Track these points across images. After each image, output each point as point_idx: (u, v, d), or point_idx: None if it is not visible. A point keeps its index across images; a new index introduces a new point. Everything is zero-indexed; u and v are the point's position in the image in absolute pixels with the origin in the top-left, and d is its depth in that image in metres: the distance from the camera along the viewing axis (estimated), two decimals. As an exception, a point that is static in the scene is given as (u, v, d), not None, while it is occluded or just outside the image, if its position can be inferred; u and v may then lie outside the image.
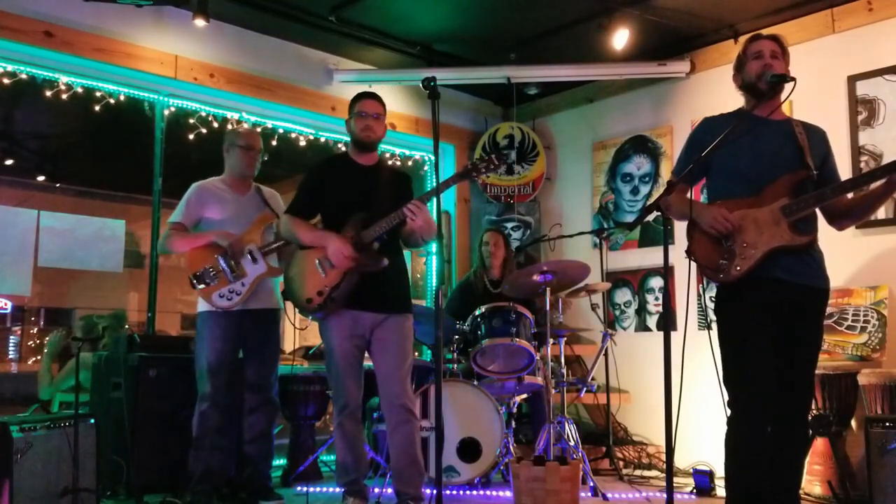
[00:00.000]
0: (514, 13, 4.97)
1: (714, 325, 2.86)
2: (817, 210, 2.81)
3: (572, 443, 4.14)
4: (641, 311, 5.51)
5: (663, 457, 4.78)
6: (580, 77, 5.67)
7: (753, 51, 2.86)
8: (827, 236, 2.92)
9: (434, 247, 5.80)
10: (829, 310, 4.02)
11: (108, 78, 4.62)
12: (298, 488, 4.29)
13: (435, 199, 3.15)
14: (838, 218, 2.90)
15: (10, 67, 4.31)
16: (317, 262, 3.39)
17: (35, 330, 11.00)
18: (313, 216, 3.53)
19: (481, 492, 4.17)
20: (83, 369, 4.37)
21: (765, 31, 3.01)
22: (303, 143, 5.48)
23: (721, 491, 4.00)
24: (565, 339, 4.52)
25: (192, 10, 4.47)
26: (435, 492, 2.80)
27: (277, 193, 4.10)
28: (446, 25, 5.21)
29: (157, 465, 3.95)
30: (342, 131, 3.65)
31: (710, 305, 2.89)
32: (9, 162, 8.23)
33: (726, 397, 2.76)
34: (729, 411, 2.76)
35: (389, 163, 5.87)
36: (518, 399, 4.62)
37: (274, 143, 5.35)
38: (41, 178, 8.80)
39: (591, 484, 4.03)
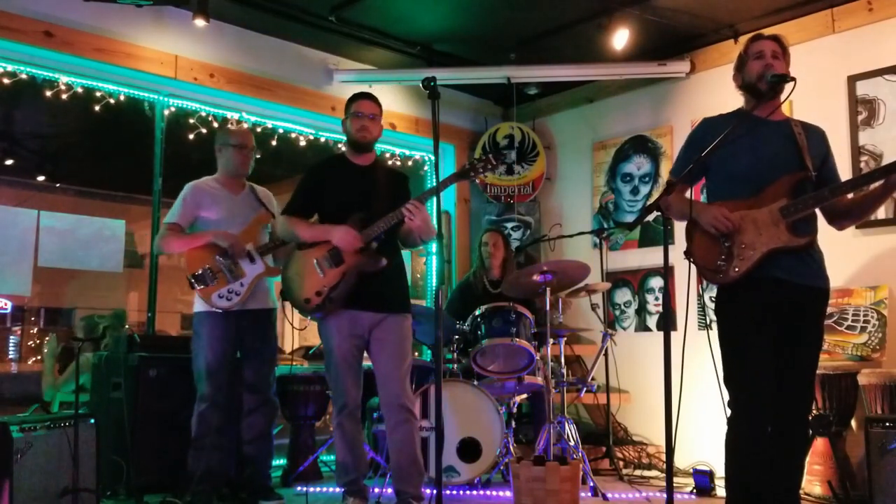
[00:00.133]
0: (514, 13, 4.97)
1: (714, 325, 2.87)
2: (817, 210, 2.82)
3: (572, 443, 4.14)
4: (641, 311, 5.51)
5: (663, 457, 4.78)
6: (580, 77, 5.67)
7: (755, 51, 2.86)
8: (827, 236, 2.92)
9: (434, 247, 5.80)
10: (829, 310, 4.02)
11: (108, 78, 4.62)
12: (298, 488, 4.29)
13: (434, 199, 3.15)
14: (838, 218, 2.90)
15: (10, 67, 4.31)
16: (315, 262, 3.39)
17: (35, 330, 11.00)
18: (310, 217, 3.52)
19: (481, 492, 4.17)
20: (84, 371, 4.38)
21: (766, 32, 3.01)
22: (303, 143, 5.48)
23: (721, 491, 4.00)
24: (565, 339, 4.52)
25: (192, 10, 4.47)
26: (435, 492, 2.80)
27: (270, 193, 4.09)
28: (446, 25, 5.21)
29: (157, 465, 3.95)
30: (342, 131, 3.65)
31: (710, 305, 2.89)
32: (9, 162, 8.24)
33: (726, 397, 2.76)
34: (729, 411, 2.76)
35: (388, 163, 5.89)
36: (518, 399, 4.62)
37: (274, 143, 5.35)
38: (41, 178, 8.81)
39: (591, 484, 4.03)
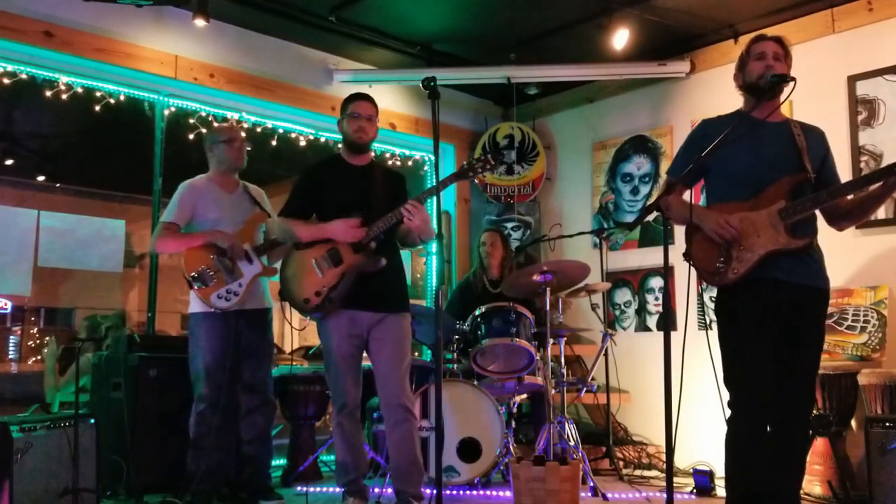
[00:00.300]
0: (514, 13, 4.97)
1: (714, 326, 2.87)
2: (817, 211, 2.82)
3: (572, 443, 4.14)
4: (641, 311, 5.51)
5: (663, 457, 4.78)
6: (580, 77, 5.67)
7: (756, 51, 2.86)
8: (827, 236, 2.92)
9: (434, 247, 5.80)
10: (829, 310, 4.02)
11: (108, 78, 4.62)
12: (298, 488, 4.29)
13: (434, 199, 3.15)
14: (838, 219, 2.90)
15: (10, 67, 4.31)
16: (314, 262, 3.39)
17: (35, 330, 11.01)
18: (307, 218, 3.51)
19: (481, 492, 4.17)
20: (85, 372, 4.39)
21: (767, 32, 3.01)
22: (303, 143, 5.48)
23: (721, 491, 4.00)
24: (565, 339, 4.52)
25: (192, 10, 4.46)
26: (435, 492, 2.80)
27: (262, 191, 4.09)
28: (446, 25, 5.21)
29: (157, 465, 3.95)
30: (338, 131, 3.65)
31: (710, 305, 2.89)
32: (9, 162, 8.24)
33: (726, 397, 2.76)
34: (729, 411, 2.76)
35: (388, 163, 5.89)
36: (518, 399, 4.62)
37: (274, 143, 5.35)
38: (41, 178, 8.81)
39: (591, 484, 4.03)
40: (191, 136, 4.93)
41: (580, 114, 6.08)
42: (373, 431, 4.54)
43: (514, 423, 4.64)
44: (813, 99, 4.31)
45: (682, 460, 4.67)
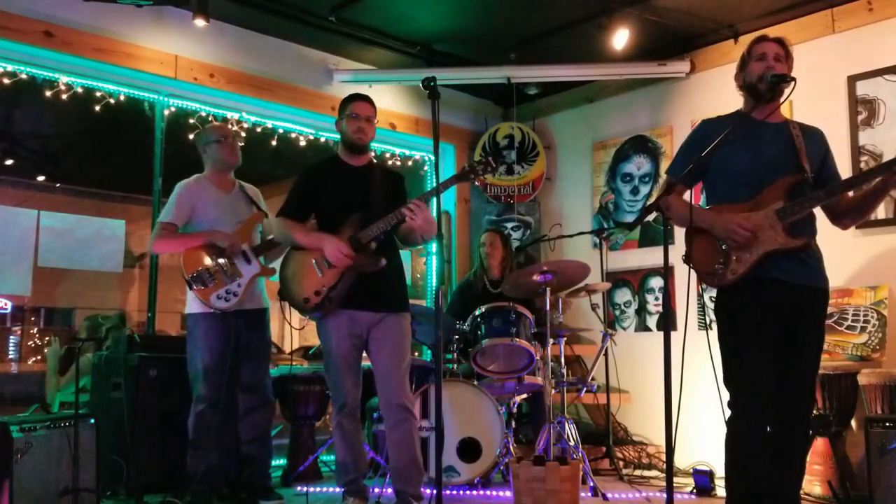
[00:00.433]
0: (514, 13, 4.97)
1: (714, 326, 2.87)
2: (820, 210, 2.82)
3: (572, 443, 4.14)
4: (641, 311, 5.51)
5: (663, 457, 4.78)
6: (580, 77, 5.67)
7: (757, 52, 2.86)
8: (827, 236, 2.92)
9: (434, 247, 5.80)
10: (829, 310, 4.02)
11: (108, 78, 4.62)
12: (298, 488, 4.29)
13: (435, 200, 3.16)
14: (840, 217, 2.90)
15: (10, 67, 4.31)
16: (313, 262, 3.39)
17: (35, 330, 11.00)
18: (306, 219, 3.51)
19: (481, 492, 4.17)
20: (85, 373, 4.39)
21: (768, 32, 3.01)
22: (303, 143, 5.48)
23: (721, 491, 4.00)
24: (565, 339, 4.52)
25: (192, 10, 4.46)
26: (435, 492, 2.80)
27: (258, 190, 4.08)
28: (446, 25, 5.21)
29: (157, 465, 3.95)
30: (336, 131, 3.65)
31: (710, 305, 2.90)
32: (9, 162, 8.23)
33: (726, 397, 2.76)
34: (729, 411, 2.76)
35: (388, 163, 5.89)
36: (518, 399, 4.62)
37: (274, 143, 5.35)
38: (41, 178, 8.80)
39: (591, 484, 4.03)
40: (191, 136, 4.90)
41: (580, 114, 6.08)
42: (373, 431, 4.54)
43: (514, 423, 4.64)
44: (813, 99, 4.31)
45: (682, 460, 4.67)
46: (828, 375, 3.94)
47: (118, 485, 3.87)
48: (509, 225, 5.98)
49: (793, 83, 2.74)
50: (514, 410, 4.66)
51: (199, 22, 4.48)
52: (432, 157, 6.04)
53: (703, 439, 4.45)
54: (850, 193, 2.87)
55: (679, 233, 3.17)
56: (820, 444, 3.95)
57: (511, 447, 4.28)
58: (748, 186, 2.80)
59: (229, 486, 3.88)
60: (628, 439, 5.21)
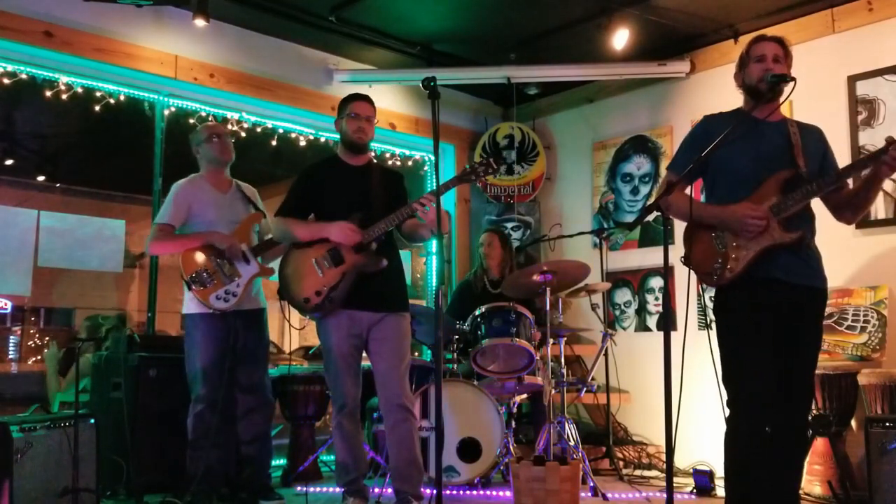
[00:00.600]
0: (514, 13, 4.97)
1: (714, 325, 2.87)
2: (822, 209, 2.83)
3: (572, 443, 4.14)
4: (641, 311, 5.51)
5: (663, 457, 4.78)
6: (580, 77, 5.67)
7: (756, 54, 2.86)
8: (827, 236, 2.93)
9: (434, 247, 5.80)
10: (829, 310, 4.03)
11: (108, 78, 4.62)
12: (298, 488, 4.28)
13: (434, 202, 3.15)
14: (842, 210, 2.90)
15: (10, 67, 4.31)
16: (314, 261, 3.38)
17: (35, 330, 11.00)
18: (305, 219, 3.50)
19: (481, 492, 4.17)
20: (86, 375, 4.39)
21: (766, 32, 3.01)
22: (303, 143, 5.48)
23: (721, 491, 3.99)
24: (565, 339, 4.52)
25: (192, 10, 4.46)
26: (435, 492, 2.80)
27: (255, 190, 4.07)
28: (446, 25, 5.21)
29: (157, 465, 3.95)
30: (336, 131, 3.65)
31: (710, 305, 2.89)
32: (9, 162, 8.23)
33: (726, 397, 2.76)
34: (728, 411, 2.76)
35: (388, 163, 5.89)
36: (518, 399, 4.62)
37: (274, 143, 5.35)
38: (41, 178, 8.80)
39: (591, 484, 4.03)
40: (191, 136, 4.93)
41: (580, 114, 6.08)
42: (373, 431, 4.54)
43: (514, 423, 4.64)
44: (813, 99, 4.31)
45: (682, 460, 4.67)
46: (828, 375, 3.94)
47: (118, 485, 3.87)
48: (509, 225, 5.98)
49: (793, 83, 2.74)
50: (514, 410, 4.66)
51: (199, 22, 4.48)
52: (432, 157, 6.04)
53: (703, 439, 4.45)
54: (850, 185, 2.87)
55: (679, 233, 3.16)
56: (820, 444, 3.95)
57: (511, 447, 4.28)
58: (747, 184, 2.80)
59: (229, 486, 3.88)
60: (628, 439, 5.21)
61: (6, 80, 4.33)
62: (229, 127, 5.02)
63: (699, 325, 4.86)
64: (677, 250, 2.93)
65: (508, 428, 4.36)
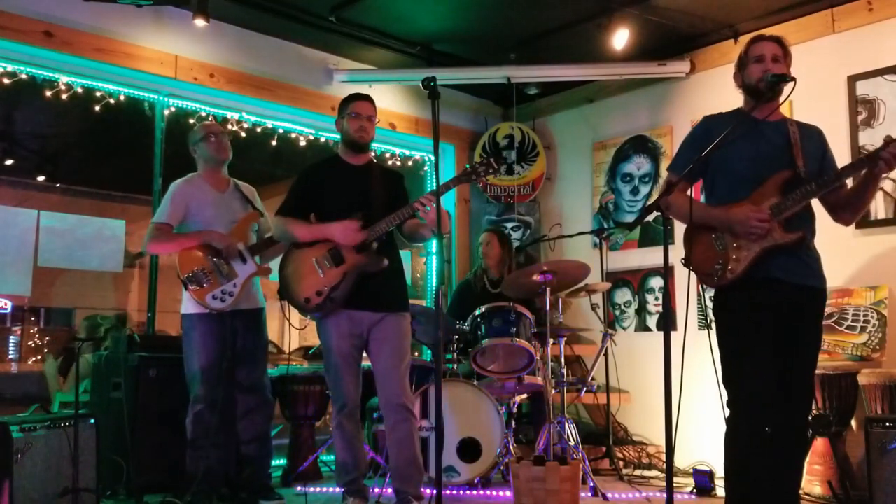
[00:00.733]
0: (514, 13, 4.97)
1: (714, 325, 2.87)
2: (821, 210, 2.82)
3: (572, 443, 4.14)
4: (641, 311, 5.51)
5: (663, 457, 4.78)
6: (580, 77, 5.67)
7: (755, 54, 2.86)
8: (827, 236, 2.92)
9: (434, 247, 5.80)
10: (829, 310, 4.03)
11: (108, 78, 4.62)
12: (298, 488, 4.28)
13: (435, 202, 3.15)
14: (840, 211, 2.90)
15: (10, 67, 4.31)
16: (314, 261, 3.38)
17: (35, 330, 11.01)
18: (306, 218, 3.50)
19: (481, 492, 4.17)
20: (86, 376, 4.39)
21: (765, 32, 3.01)
22: (303, 143, 5.48)
23: (721, 491, 3.99)
24: (565, 339, 4.52)
25: (192, 10, 4.46)
26: (435, 492, 2.80)
27: (253, 189, 4.07)
28: (446, 25, 5.21)
29: (157, 465, 3.95)
30: (337, 130, 3.65)
31: (710, 305, 2.89)
32: (9, 162, 8.23)
33: (726, 397, 2.76)
34: (728, 411, 2.76)
35: (388, 163, 5.89)
36: (518, 399, 4.62)
37: (274, 143, 5.35)
38: (41, 178, 8.80)
39: (591, 484, 4.02)
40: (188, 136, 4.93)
41: (580, 114, 6.08)
42: (373, 431, 4.54)
43: (514, 423, 4.64)
44: (813, 99, 4.31)
45: (682, 460, 4.67)
46: (828, 375, 3.93)
47: (118, 485, 3.87)
48: (509, 225, 5.98)
49: (793, 83, 2.74)
50: (514, 410, 4.66)
51: (199, 22, 4.48)
52: (432, 157, 6.04)
53: (703, 439, 4.45)
54: (849, 184, 2.87)
55: (679, 233, 3.16)
56: (820, 444, 3.95)
57: (511, 447, 4.28)
58: (747, 184, 2.80)
59: (229, 486, 3.88)
60: (628, 439, 5.21)
61: (6, 80, 4.33)
62: (229, 127, 5.02)
63: (699, 325, 4.86)
64: (677, 250, 2.93)
65: (508, 428, 4.36)
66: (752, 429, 2.70)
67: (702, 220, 2.80)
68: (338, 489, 3.58)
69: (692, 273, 2.85)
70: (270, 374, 4.09)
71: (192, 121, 4.93)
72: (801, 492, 2.87)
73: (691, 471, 4.32)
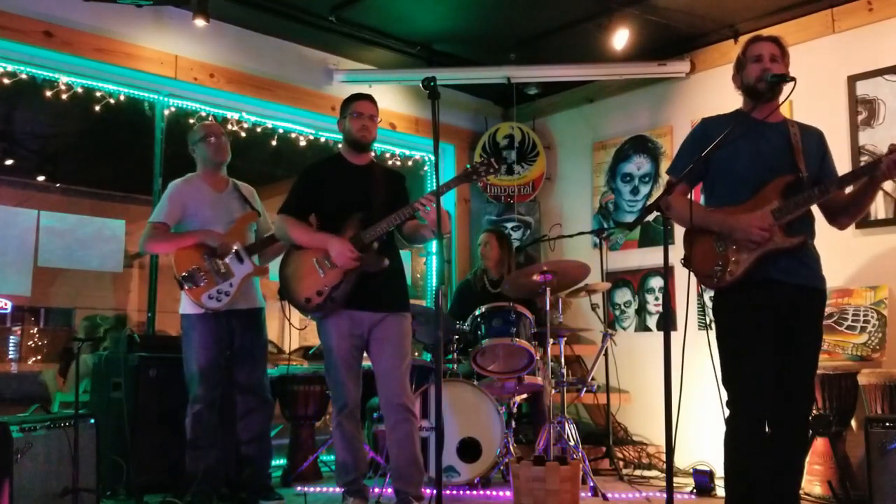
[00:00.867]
0: (514, 13, 4.97)
1: (714, 325, 2.87)
2: (819, 211, 2.82)
3: (572, 443, 4.14)
4: (641, 311, 5.51)
5: (663, 457, 4.78)
6: (580, 77, 5.67)
7: (753, 54, 2.85)
8: (827, 236, 2.92)
9: (434, 247, 5.80)
10: (829, 310, 4.03)
11: (108, 78, 4.62)
12: (298, 488, 4.29)
13: (435, 202, 3.15)
14: (837, 216, 2.90)
15: (10, 67, 4.31)
16: (315, 261, 3.38)
17: (35, 330, 11.00)
18: (306, 217, 3.51)
19: (481, 492, 4.17)
20: (86, 377, 4.38)
21: (765, 32, 3.01)
22: (303, 143, 5.48)
23: (721, 491, 4.00)
24: (565, 339, 4.52)
25: (192, 10, 4.46)
26: (435, 492, 2.80)
27: (252, 189, 4.06)
28: (446, 25, 5.21)
29: (157, 465, 3.95)
30: (339, 130, 3.65)
31: (710, 305, 2.89)
32: (9, 162, 8.23)
33: (726, 397, 2.76)
34: (728, 411, 2.76)
35: (388, 163, 5.89)
36: (518, 399, 4.62)
37: (274, 143, 5.35)
38: (41, 178, 8.81)
39: (591, 484, 4.03)
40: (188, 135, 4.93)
41: (580, 114, 6.08)
42: (373, 431, 4.54)
43: (514, 423, 4.64)
44: (813, 99, 4.31)
45: (682, 460, 4.67)
46: (828, 375, 3.93)
47: (118, 485, 3.87)
48: (509, 225, 5.98)
49: (793, 83, 2.73)
50: (514, 410, 4.66)
51: (199, 22, 4.48)
52: (432, 157, 6.04)
53: (703, 439, 4.45)
54: (847, 191, 2.88)
55: (679, 233, 3.16)
56: (820, 444, 3.95)
57: (511, 447, 4.28)
58: (747, 186, 2.80)
59: (229, 486, 3.88)
60: (628, 439, 5.21)
61: (6, 80, 4.33)
62: (229, 127, 5.02)
63: (699, 326, 4.86)
64: (677, 250, 2.94)
65: (508, 428, 4.36)
66: (752, 429, 2.70)
67: (702, 225, 2.80)
68: (338, 489, 3.58)
69: (692, 274, 2.85)
70: (270, 374, 4.09)
71: (192, 121, 4.93)
72: (801, 492, 2.87)
73: (691, 471, 4.32)
